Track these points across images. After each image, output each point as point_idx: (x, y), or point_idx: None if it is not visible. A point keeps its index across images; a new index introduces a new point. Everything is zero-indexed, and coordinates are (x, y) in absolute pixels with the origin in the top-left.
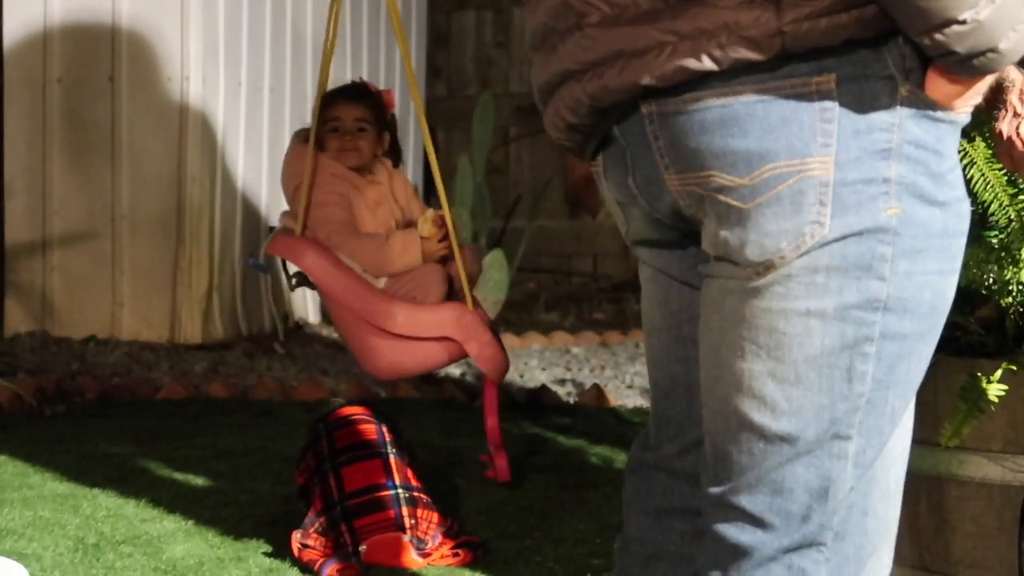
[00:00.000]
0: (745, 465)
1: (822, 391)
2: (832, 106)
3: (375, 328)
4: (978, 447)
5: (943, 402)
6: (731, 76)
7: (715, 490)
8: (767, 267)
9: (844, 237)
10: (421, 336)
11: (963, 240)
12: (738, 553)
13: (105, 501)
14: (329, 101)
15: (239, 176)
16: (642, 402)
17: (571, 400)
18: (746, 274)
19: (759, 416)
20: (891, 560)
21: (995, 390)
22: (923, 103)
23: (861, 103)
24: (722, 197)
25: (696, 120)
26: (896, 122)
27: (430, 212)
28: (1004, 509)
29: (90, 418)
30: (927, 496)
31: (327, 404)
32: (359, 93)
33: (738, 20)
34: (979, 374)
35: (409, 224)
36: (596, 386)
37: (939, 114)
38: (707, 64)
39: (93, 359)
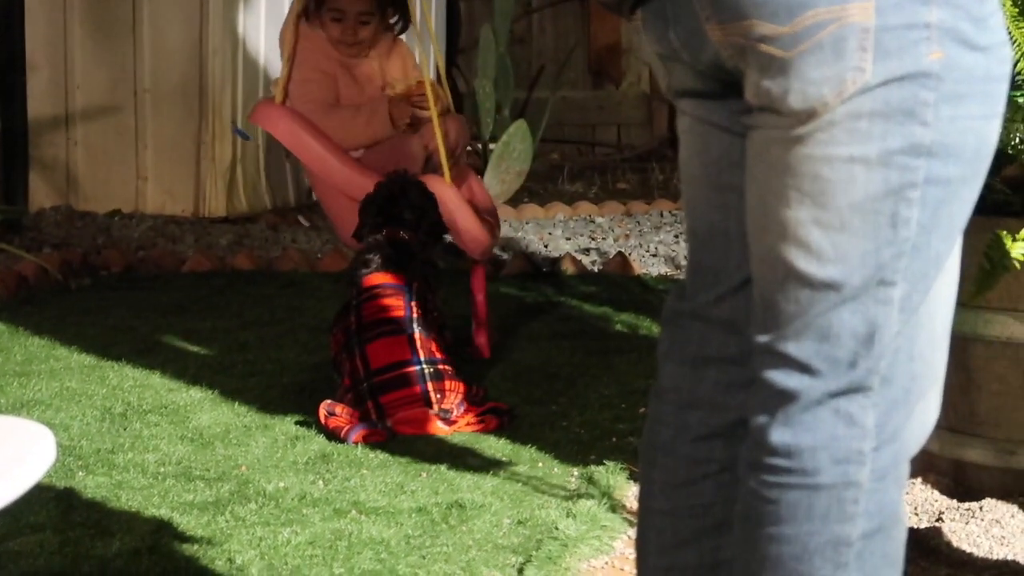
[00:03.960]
0: (792, 313)
1: (867, 237)
2: None
3: (349, 199)
4: (1004, 307)
5: (968, 261)
6: None
7: (763, 338)
8: (810, 115)
9: (886, 82)
10: None
11: (1006, 85)
12: (785, 398)
13: (131, 372)
14: None
15: (261, 47)
16: (666, 270)
17: (595, 268)
18: (789, 122)
19: (805, 263)
20: (939, 406)
21: (1020, 249)
22: None
23: None
24: (763, 46)
25: None
26: None
27: (408, 80)
28: None
29: (115, 291)
30: (953, 356)
31: (361, 266)
32: None
33: None
34: (1004, 233)
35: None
36: (620, 254)
37: None
38: None
39: (118, 233)
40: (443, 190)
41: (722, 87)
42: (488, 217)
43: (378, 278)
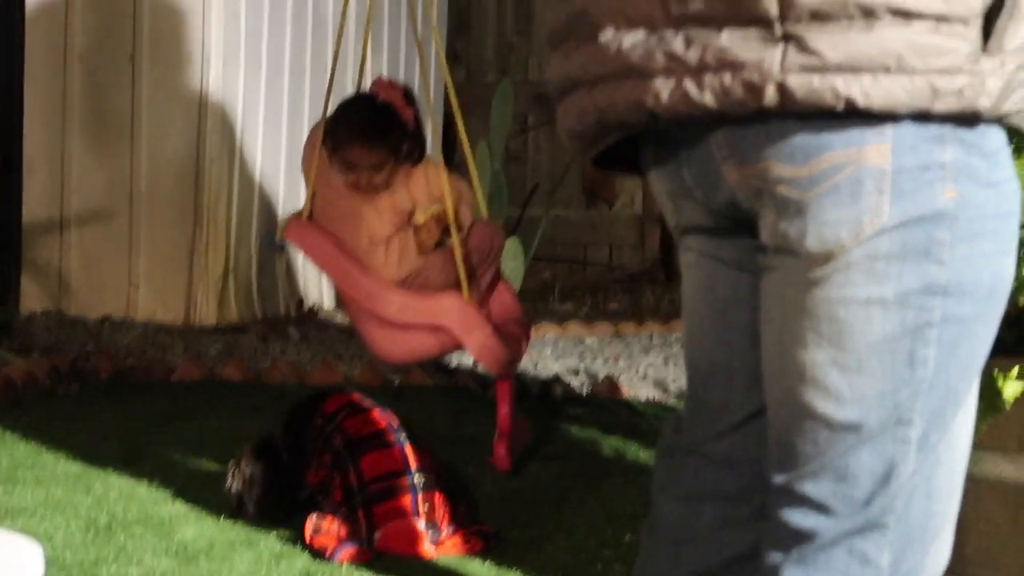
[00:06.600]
0: (810, 454)
1: (884, 378)
2: None
3: (373, 314)
4: (993, 446)
5: None
6: None
7: (780, 478)
8: (827, 257)
9: (903, 224)
10: (415, 323)
11: (1016, 220)
12: (801, 538)
13: (117, 482)
14: (345, 139)
15: (257, 158)
16: (655, 394)
17: (584, 391)
18: (806, 264)
19: (823, 405)
20: (951, 543)
21: (1012, 388)
22: None
23: None
24: (780, 188)
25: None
26: None
27: (431, 209)
28: (1019, 509)
29: (104, 398)
30: None
31: (308, 397)
32: (377, 134)
33: None
34: (996, 371)
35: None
36: (609, 377)
37: None
38: None
39: (108, 339)
40: (459, 309)
41: (733, 224)
42: (514, 328)
43: (341, 399)
